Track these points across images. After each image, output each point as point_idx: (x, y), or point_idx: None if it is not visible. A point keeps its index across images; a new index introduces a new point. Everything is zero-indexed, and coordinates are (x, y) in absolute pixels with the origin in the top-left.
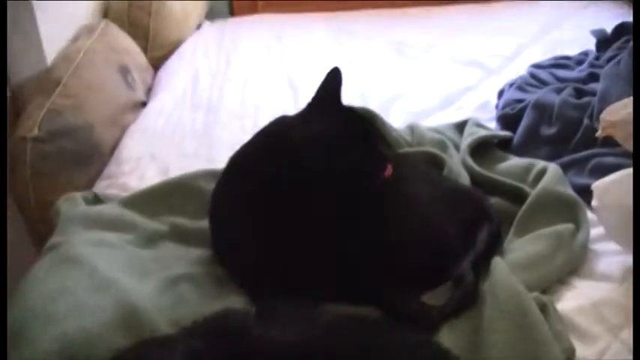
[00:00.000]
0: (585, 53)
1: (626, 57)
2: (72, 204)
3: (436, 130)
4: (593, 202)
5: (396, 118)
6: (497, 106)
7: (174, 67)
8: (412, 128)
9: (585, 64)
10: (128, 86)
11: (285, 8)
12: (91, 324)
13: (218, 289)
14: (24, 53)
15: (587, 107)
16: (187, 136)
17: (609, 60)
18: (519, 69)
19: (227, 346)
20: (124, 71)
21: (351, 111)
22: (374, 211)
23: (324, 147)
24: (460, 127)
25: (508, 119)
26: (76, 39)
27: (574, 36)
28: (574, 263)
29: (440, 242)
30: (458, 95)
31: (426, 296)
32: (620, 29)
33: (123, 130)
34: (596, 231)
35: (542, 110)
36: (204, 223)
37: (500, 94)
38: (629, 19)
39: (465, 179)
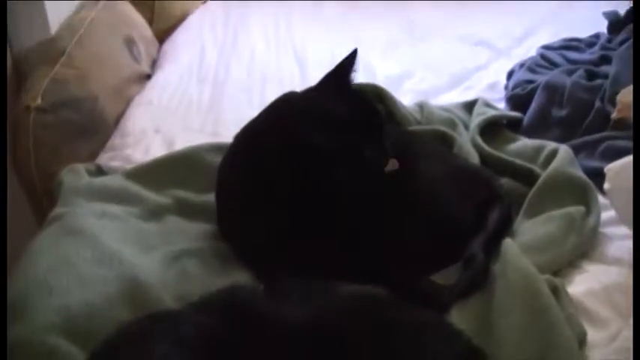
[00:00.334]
0: (596, 35)
1: None
2: (75, 175)
3: (445, 109)
4: (606, 185)
5: (405, 97)
6: (506, 87)
7: (180, 40)
8: (421, 106)
9: (597, 47)
10: (133, 58)
11: None
12: (94, 297)
13: (223, 264)
14: (28, 22)
15: (599, 90)
16: (193, 109)
17: (622, 42)
18: (529, 50)
19: (236, 323)
20: (130, 43)
21: (361, 96)
22: (383, 189)
23: (326, 127)
24: (469, 106)
25: (518, 100)
26: (80, 9)
27: (585, 18)
28: (585, 246)
29: (451, 221)
30: (467, 75)
31: (435, 276)
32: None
33: (127, 102)
34: (607, 214)
35: (554, 92)
36: (209, 197)
37: (510, 74)
38: None
39: (474, 159)
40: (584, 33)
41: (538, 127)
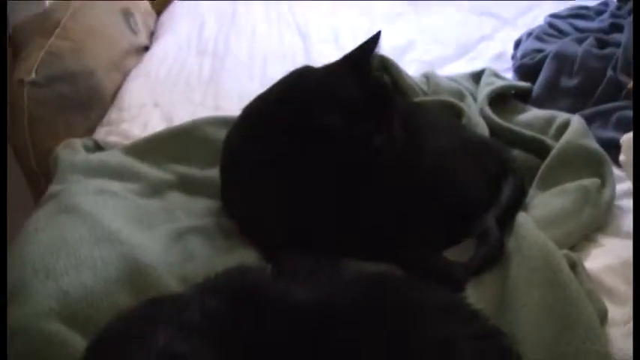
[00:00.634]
0: (605, 3)
1: None
2: (72, 151)
3: (452, 80)
4: (621, 157)
5: (409, 68)
6: (513, 57)
7: (178, 11)
8: (428, 77)
9: (607, 14)
10: (130, 30)
11: None
12: (93, 280)
13: (228, 242)
14: None
15: (610, 58)
16: (193, 83)
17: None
18: (535, 19)
19: (244, 306)
20: (127, 14)
21: (378, 82)
22: (393, 163)
23: (338, 109)
24: (476, 77)
25: (527, 69)
26: None
27: None
28: (600, 220)
29: (462, 196)
30: (472, 45)
31: (446, 253)
32: None
33: (125, 75)
34: (622, 187)
35: (564, 61)
36: (212, 173)
37: (518, 44)
38: None
39: (483, 130)
40: (591, 1)
41: (548, 98)
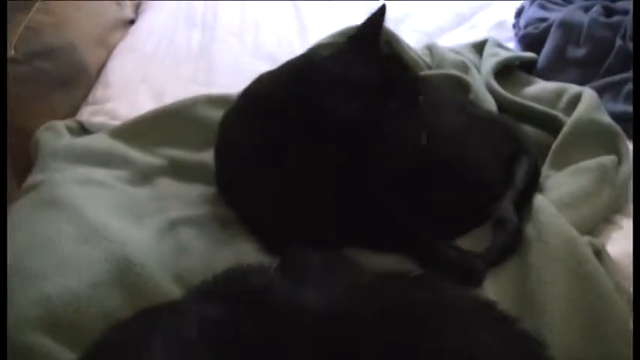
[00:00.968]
0: None
1: None
2: (54, 134)
3: (454, 51)
4: None
5: (407, 38)
6: (514, 26)
7: None
8: (431, 49)
9: None
10: (115, 2)
11: None
12: (79, 283)
13: (225, 233)
14: None
15: (619, 26)
16: (182, 57)
17: None
18: None
19: (247, 315)
20: None
21: (394, 57)
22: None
23: (355, 96)
24: (479, 47)
25: (531, 39)
26: None
27: None
28: (620, 199)
29: (476, 179)
30: (470, 14)
31: (459, 240)
32: None
33: (110, 51)
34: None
35: (570, 30)
36: (205, 156)
37: (519, 12)
38: None
39: (490, 105)
40: None
41: (554, 68)
